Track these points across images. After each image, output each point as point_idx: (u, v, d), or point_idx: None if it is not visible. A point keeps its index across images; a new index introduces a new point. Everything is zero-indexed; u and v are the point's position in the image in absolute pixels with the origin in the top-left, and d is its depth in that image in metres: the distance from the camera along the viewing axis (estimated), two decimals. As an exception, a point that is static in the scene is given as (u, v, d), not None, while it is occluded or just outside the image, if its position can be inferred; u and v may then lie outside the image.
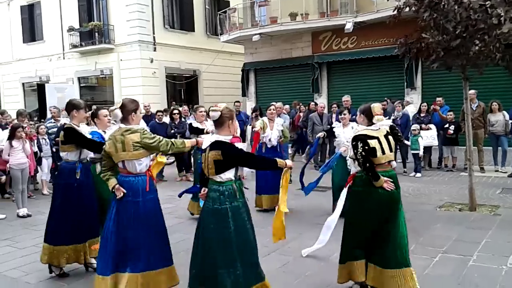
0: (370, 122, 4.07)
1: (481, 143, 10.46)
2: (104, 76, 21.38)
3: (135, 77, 19.91)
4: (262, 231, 6.25)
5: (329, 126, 7.78)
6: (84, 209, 4.77)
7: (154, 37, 20.44)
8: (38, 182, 9.97)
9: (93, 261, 4.75)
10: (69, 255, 4.75)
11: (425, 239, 5.63)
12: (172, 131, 10.84)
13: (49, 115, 12.66)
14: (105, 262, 3.87)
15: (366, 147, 3.89)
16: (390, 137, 4.08)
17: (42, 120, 13.56)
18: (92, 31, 20.55)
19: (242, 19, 18.89)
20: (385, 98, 13.10)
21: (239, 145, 3.57)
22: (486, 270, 4.63)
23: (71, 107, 4.86)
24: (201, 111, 7.20)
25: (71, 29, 21.21)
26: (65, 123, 4.98)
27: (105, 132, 5.13)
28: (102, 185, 4.34)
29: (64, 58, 22.49)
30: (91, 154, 4.94)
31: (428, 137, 10.59)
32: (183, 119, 11.31)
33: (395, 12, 7.14)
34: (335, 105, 12.11)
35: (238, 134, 11.63)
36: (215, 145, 3.50)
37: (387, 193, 3.89)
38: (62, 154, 4.93)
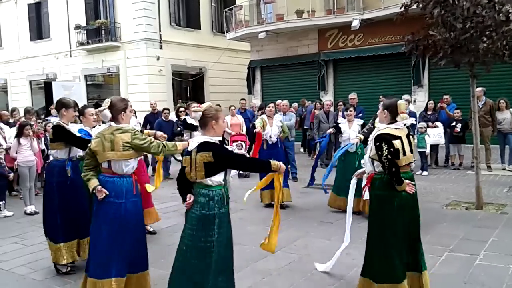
0: (392, 120, 3.77)
1: (487, 141, 10.38)
2: (110, 74, 21.45)
3: (141, 75, 19.96)
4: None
5: (334, 124, 7.91)
6: (79, 207, 4.84)
7: (160, 35, 20.47)
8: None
9: None
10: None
11: (432, 237, 5.60)
12: (178, 128, 10.85)
13: (53, 112, 12.72)
14: (87, 261, 3.89)
15: (391, 149, 3.61)
16: (411, 137, 3.84)
17: (48, 118, 13.61)
18: (99, 29, 20.62)
19: (248, 17, 18.86)
20: (380, 96, 12.71)
21: (229, 146, 3.46)
22: (492, 269, 4.61)
23: (60, 105, 4.90)
24: (194, 107, 7.28)
25: (77, 27, 21.29)
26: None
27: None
28: None
29: (71, 56, 22.59)
30: (80, 152, 4.94)
31: (435, 135, 10.54)
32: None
33: (402, 9, 7.11)
34: (341, 103, 12.08)
35: (244, 132, 11.62)
36: (204, 146, 3.32)
37: (410, 196, 3.73)
38: (51, 152, 4.99)
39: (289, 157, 10.20)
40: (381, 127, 3.79)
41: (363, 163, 4.01)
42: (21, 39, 24.52)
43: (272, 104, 8.11)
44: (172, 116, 11.48)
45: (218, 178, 3.36)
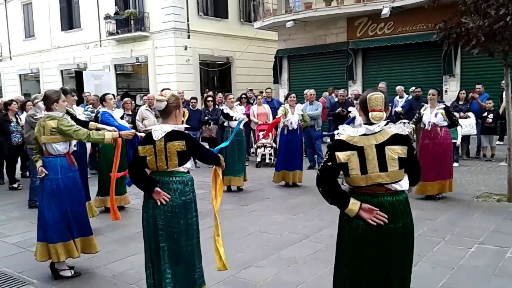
0: (368, 121, 2.75)
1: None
2: (139, 63, 21.70)
3: (169, 65, 20.13)
4: (294, 218, 6.31)
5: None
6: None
7: (188, 25, 20.56)
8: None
9: None
10: None
11: (462, 229, 5.51)
12: (206, 118, 10.94)
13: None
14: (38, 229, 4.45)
15: (329, 163, 2.73)
16: (394, 148, 2.66)
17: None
18: (128, 19, 20.86)
19: (276, 5, 18.73)
20: (415, 88, 12.34)
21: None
22: (524, 263, 4.50)
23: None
24: (230, 98, 8.48)
25: (107, 17, 21.59)
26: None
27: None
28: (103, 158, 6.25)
29: (101, 46, 22.95)
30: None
31: (467, 125, 10.29)
32: (216, 106, 11.41)
33: (434, -4, 6.96)
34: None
35: (271, 121, 11.73)
36: (175, 135, 3.32)
37: (369, 228, 2.68)
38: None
39: (315, 146, 10.19)
40: (344, 130, 2.82)
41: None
42: (53, 29, 25.04)
43: (293, 95, 8.79)
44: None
45: (189, 164, 3.45)
